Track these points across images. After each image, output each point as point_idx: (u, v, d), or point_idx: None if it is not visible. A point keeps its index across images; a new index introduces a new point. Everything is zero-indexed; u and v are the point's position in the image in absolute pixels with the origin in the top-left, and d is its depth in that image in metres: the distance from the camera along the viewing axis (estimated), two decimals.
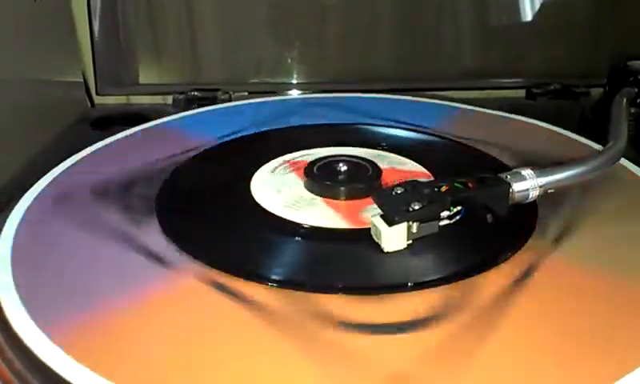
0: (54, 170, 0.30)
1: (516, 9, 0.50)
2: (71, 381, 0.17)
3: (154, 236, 0.25)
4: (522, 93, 0.49)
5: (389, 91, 0.46)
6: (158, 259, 0.23)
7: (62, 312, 0.20)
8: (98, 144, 0.33)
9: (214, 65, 0.52)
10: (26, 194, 0.28)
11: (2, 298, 0.21)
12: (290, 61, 0.51)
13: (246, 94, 0.48)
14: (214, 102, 0.46)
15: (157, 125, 0.37)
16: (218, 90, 0.48)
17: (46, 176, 0.29)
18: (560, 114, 0.42)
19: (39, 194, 0.28)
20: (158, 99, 0.49)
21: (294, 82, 0.51)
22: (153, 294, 0.21)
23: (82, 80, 0.48)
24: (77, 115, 0.44)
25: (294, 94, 0.50)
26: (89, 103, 0.48)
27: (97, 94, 0.48)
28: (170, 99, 0.48)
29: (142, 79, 0.51)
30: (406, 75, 0.51)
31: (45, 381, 0.18)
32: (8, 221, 0.26)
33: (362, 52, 0.51)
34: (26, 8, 0.39)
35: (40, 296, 0.21)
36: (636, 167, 0.30)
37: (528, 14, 0.50)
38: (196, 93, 0.48)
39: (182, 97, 0.47)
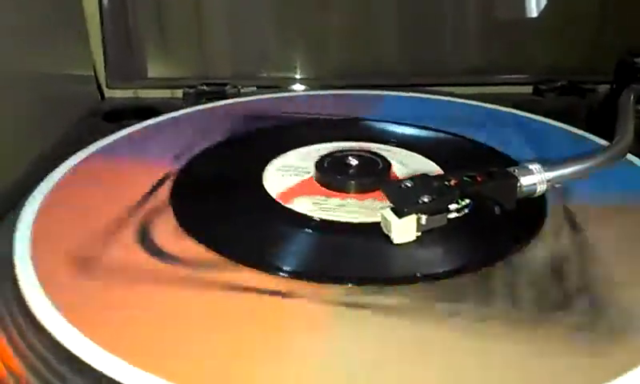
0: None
1: (523, 4, 0.50)
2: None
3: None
4: (529, 89, 0.49)
5: (393, 87, 0.46)
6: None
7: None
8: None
9: (222, 59, 0.52)
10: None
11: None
12: (297, 55, 0.52)
13: (255, 88, 0.49)
14: (223, 96, 0.46)
15: None
16: (226, 84, 0.48)
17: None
18: (567, 111, 0.42)
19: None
20: (166, 93, 0.49)
21: (301, 76, 0.52)
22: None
23: (92, 74, 0.48)
24: (88, 108, 0.45)
25: (300, 88, 0.50)
26: (99, 97, 0.49)
27: (107, 87, 0.49)
28: (177, 93, 0.48)
29: (151, 73, 0.52)
30: (412, 71, 0.51)
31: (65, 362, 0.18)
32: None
33: (367, 47, 0.51)
34: (38, 4, 0.40)
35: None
36: None
37: (535, 10, 0.50)
38: (205, 87, 0.48)
39: (192, 91, 0.48)
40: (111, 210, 0.26)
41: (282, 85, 0.50)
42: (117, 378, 0.17)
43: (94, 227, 0.25)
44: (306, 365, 0.18)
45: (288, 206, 0.27)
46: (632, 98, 0.35)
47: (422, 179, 0.25)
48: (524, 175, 0.26)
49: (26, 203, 0.26)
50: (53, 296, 0.21)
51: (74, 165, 0.30)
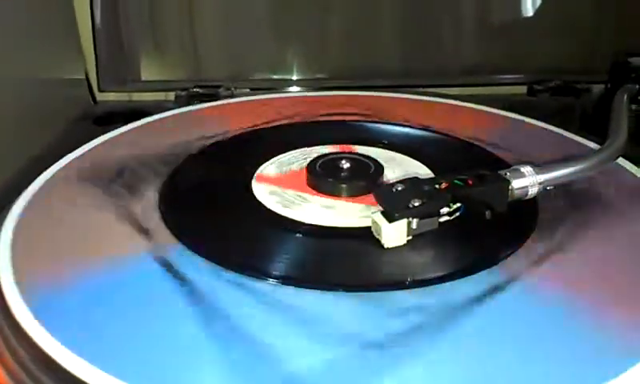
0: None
1: (517, 5, 0.50)
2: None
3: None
4: (523, 89, 0.49)
5: (389, 88, 0.46)
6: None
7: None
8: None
9: (215, 61, 0.52)
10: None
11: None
12: (291, 57, 0.51)
13: (248, 90, 0.49)
14: (216, 98, 0.46)
15: None
16: (219, 86, 0.48)
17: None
18: (561, 111, 0.42)
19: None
20: (159, 96, 0.49)
21: (296, 78, 0.51)
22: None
23: (84, 77, 0.48)
24: (80, 112, 0.44)
25: (295, 90, 0.50)
26: (91, 100, 0.49)
27: (99, 90, 0.49)
28: (171, 95, 0.48)
29: (144, 76, 0.51)
30: (407, 71, 0.51)
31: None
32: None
33: (362, 48, 0.51)
34: (28, 6, 0.39)
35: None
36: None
37: (529, 10, 0.50)
38: (198, 89, 0.48)
39: (184, 93, 0.47)
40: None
41: (277, 86, 0.50)
42: None
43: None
44: None
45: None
46: (626, 97, 0.35)
47: (412, 182, 0.25)
48: (516, 178, 0.25)
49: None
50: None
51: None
